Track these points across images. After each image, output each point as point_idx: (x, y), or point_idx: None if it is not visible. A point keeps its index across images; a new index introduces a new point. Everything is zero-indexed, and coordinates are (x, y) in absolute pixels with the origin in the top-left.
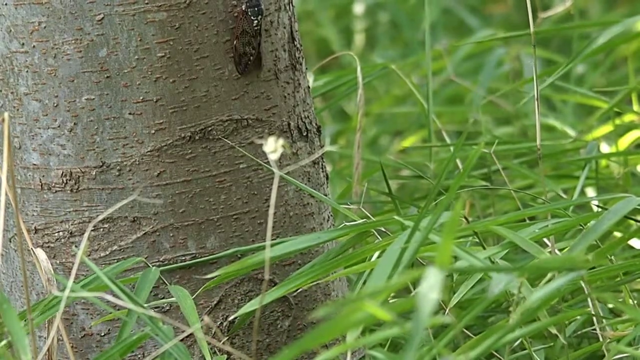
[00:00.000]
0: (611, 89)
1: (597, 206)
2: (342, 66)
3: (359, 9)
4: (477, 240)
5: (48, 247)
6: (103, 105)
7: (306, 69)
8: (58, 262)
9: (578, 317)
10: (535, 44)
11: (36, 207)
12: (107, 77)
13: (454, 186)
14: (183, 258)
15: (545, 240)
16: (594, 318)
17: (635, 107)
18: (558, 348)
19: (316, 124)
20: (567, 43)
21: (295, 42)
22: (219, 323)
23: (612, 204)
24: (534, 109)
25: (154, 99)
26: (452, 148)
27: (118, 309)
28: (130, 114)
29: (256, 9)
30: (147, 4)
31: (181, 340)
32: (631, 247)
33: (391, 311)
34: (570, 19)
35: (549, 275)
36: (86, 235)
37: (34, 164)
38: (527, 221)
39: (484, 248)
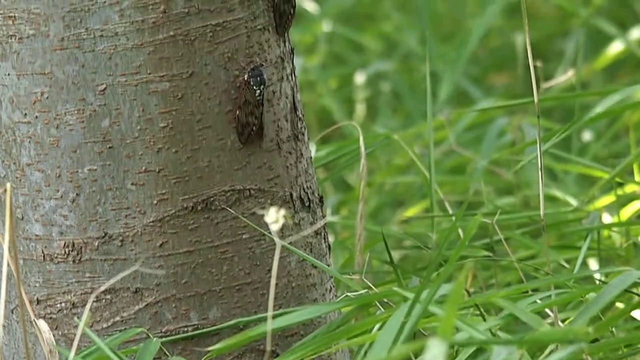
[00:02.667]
0: (613, 159)
1: (599, 280)
2: (344, 136)
3: (360, 79)
4: (479, 311)
5: (50, 318)
6: (105, 175)
7: (308, 139)
8: (60, 333)
9: None
10: (539, 114)
11: (38, 278)
12: (110, 147)
13: (454, 257)
14: (185, 329)
15: (547, 310)
16: None
17: (637, 178)
18: None
19: (318, 195)
20: (569, 114)
21: (298, 112)
22: None
23: (613, 276)
24: (535, 178)
25: (156, 169)
26: (453, 218)
27: None
28: (132, 184)
29: (258, 78)
30: (149, 74)
31: None
32: (633, 319)
33: None
34: (572, 90)
35: (551, 347)
36: (88, 306)
37: (37, 235)
38: (530, 292)
39: (485, 320)
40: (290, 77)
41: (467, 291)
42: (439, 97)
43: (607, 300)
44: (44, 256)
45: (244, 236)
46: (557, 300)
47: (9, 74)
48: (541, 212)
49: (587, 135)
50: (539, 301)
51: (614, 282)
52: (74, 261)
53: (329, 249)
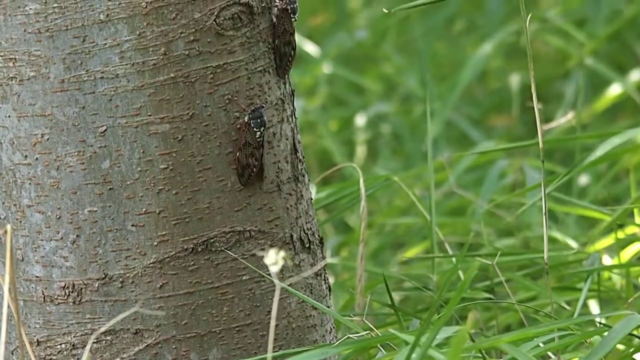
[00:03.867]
0: (613, 201)
1: (601, 324)
2: (344, 178)
3: (360, 120)
4: (481, 355)
5: (50, 359)
6: (105, 217)
7: (309, 180)
8: None
9: None
10: (541, 156)
11: (38, 319)
12: (110, 189)
13: (455, 299)
14: None
15: (550, 353)
16: None
17: (637, 220)
18: None
19: (319, 236)
20: (569, 155)
21: (298, 154)
22: None
23: (615, 319)
24: (535, 220)
25: (156, 210)
26: (454, 260)
27: None
28: (132, 225)
29: (259, 120)
30: (150, 115)
31: None
32: None
33: None
34: (572, 132)
35: None
36: (88, 347)
37: (37, 276)
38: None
39: None
40: (290, 119)
41: (469, 334)
42: (434, 135)
43: (612, 345)
44: (44, 297)
45: (244, 277)
46: (560, 344)
47: (9, 116)
48: (545, 256)
49: (587, 177)
50: (541, 344)
51: (617, 327)
52: (74, 302)
53: (330, 290)
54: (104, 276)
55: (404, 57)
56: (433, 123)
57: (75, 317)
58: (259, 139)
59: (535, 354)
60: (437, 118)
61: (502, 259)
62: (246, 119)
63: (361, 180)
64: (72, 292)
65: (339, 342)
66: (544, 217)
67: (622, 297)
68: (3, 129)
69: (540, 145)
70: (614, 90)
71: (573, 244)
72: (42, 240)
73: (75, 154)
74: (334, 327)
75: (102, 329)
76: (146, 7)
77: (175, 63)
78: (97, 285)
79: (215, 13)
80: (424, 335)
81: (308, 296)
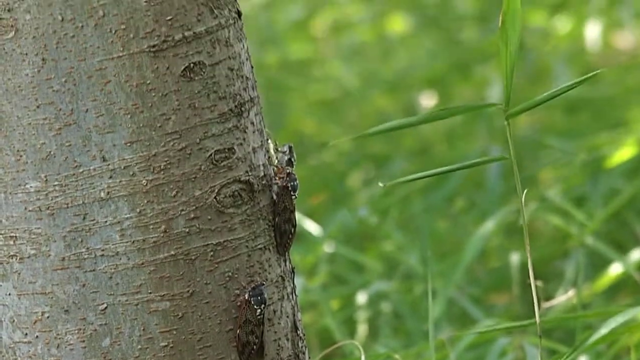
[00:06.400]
0: None
1: None
2: (345, 356)
3: (361, 299)
4: None
5: None
6: None
7: (309, 358)
8: None
9: None
10: (538, 331)
11: None
12: None
13: None
14: None
15: None
16: None
17: None
18: None
19: None
20: (570, 334)
21: (299, 332)
22: None
23: None
24: None
25: None
26: None
27: None
28: None
29: (259, 298)
30: (150, 293)
31: None
32: None
33: None
34: (573, 310)
35: None
36: None
37: None
38: None
39: None
40: (291, 296)
41: None
42: (435, 315)
43: None
44: None
45: None
46: None
47: (9, 294)
48: None
49: (587, 357)
50: None
51: None
52: None
53: None
54: None
55: (405, 235)
56: (434, 302)
57: None
58: (259, 317)
59: None
60: (438, 297)
61: None
62: (246, 296)
63: (362, 358)
64: None
65: None
66: None
67: None
68: (3, 307)
69: (537, 321)
70: (615, 269)
71: None
72: None
73: (76, 332)
74: None
75: None
76: (147, 184)
77: (176, 241)
78: None
79: (216, 190)
80: None
81: None
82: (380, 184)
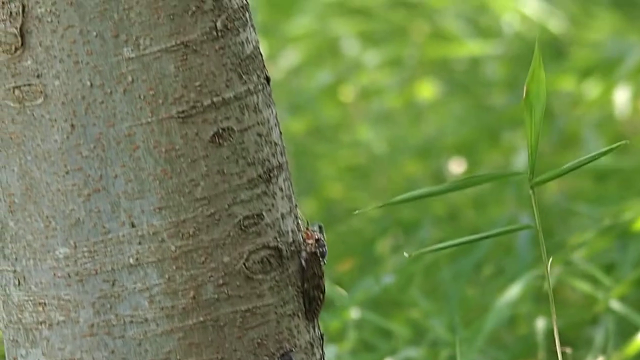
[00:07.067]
0: None
1: None
2: None
3: None
4: None
5: None
6: None
7: None
8: None
9: None
10: None
11: None
12: None
13: None
14: None
15: None
16: None
17: None
18: None
19: None
20: None
21: None
22: None
23: None
24: None
25: None
26: None
27: None
28: None
29: None
30: (179, 359)
31: None
32: None
33: None
34: None
35: None
36: None
37: None
38: None
39: None
40: None
41: None
42: None
43: None
44: None
45: None
46: None
47: None
48: None
49: None
50: None
51: None
52: None
53: None
54: None
55: (432, 301)
56: None
57: None
58: None
59: None
60: None
61: None
62: None
63: None
64: None
65: None
66: None
67: None
68: None
69: None
70: None
71: None
72: None
73: None
74: None
75: None
76: (175, 251)
77: (205, 307)
78: None
79: (245, 256)
80: None
81: None
82: (406, 254)
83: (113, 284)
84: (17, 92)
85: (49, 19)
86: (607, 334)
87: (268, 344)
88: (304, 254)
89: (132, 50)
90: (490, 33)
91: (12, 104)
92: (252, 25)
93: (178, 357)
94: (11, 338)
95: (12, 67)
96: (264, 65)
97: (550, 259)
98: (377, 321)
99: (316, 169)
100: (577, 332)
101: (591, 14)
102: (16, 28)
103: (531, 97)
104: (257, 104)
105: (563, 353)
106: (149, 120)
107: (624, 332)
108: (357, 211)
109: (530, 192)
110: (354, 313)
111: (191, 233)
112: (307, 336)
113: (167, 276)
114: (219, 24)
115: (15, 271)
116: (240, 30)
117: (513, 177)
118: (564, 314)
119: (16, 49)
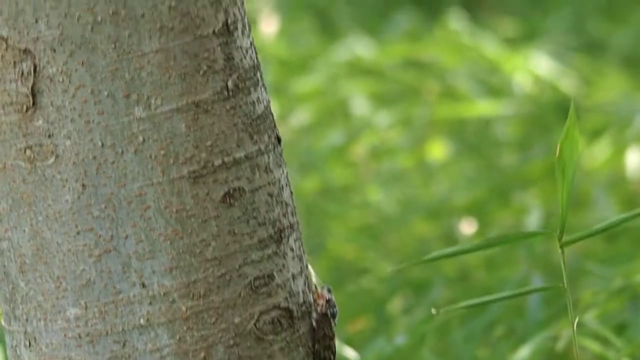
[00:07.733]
0: None
1: None
2: None
3: None
4: None
5: None
6: None
7: None
8: None
9: None
10: None
11: None
12: None
13: None
14: None
15: None
16: None
17: None
18: None
19: None
20: None
21: None
22: None
23: None
24: None
25: None
26: None
27: None
28: None
29: None
30: None
31: None
32: None
33: None
34: None
35: None
36: None
37: None
38: None
39: None
40: None
41: None
42: None
43: None
44: None
45: None
46: None
47: None
48: None
49: None
50: None
51: None
52: None
53: None
54: None
55: None
56: None
57: None
58: None
59: None
60: None
61: None
62: None
63: None
64: None
65: None
66: None
67: None
68: None
69: None
70: None
71: None
72: None
73: None
74: None
75: None
76: (186, 311)
77: None
78: None
79: (255, 317)
80: None
81: None
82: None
83: (124, 345)
84: (28, 152)
85: (61, 79)
86: None
87: None
88: (314, 314)
89: (143, 110)
90: (501, 93)
91: (23, 164)
92: (263, 85)
93: None
94: None
95: (24, 127)
96: (275, 125)
97: (574, 320)
98: None
99: (327, 228)
100: None
101: (602, 73)
102: (28, 88)
103: (564, 156)
104: (268, 164)
105: None
106: (160, 180)
107: None
108: (368, 271)
109: (560, 251)
110: None
111: (202, 293)
112: None
113: (177, 337)
114: (230, 84)
115: (26, 332)
116: (252, 90)
117: (536, 237)
118: None
119: (27, 109)
